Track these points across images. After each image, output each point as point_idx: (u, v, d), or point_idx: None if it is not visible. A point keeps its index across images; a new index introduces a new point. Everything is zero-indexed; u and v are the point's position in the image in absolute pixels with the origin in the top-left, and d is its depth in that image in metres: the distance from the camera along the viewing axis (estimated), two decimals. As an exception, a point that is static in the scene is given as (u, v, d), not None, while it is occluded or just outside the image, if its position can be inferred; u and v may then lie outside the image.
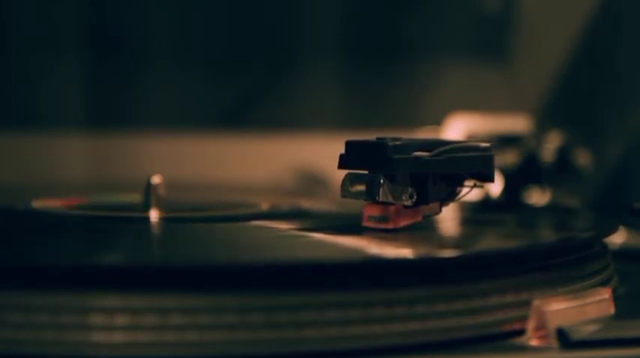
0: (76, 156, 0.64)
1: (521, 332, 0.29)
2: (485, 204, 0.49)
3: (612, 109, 0.62)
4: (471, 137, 0.55)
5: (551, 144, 0.52)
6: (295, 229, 0.36)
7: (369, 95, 0.70)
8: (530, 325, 0.29)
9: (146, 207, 0.40)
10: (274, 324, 0.27)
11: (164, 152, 0.65)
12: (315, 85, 0.68)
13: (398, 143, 0.33)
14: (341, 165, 0.34)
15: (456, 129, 0.57)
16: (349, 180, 0.34)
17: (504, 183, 0.51)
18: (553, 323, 0.28)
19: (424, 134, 0.60)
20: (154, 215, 0.39)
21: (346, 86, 0.69)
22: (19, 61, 0.65)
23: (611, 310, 0.31)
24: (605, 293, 0.31)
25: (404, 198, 0.33)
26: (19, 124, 0.64)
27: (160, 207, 0.40)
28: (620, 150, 0.60)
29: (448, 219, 0.39)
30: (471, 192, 0.36)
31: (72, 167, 0.64)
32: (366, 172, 0.34)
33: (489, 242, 0.36)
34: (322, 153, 0.53)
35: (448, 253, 0.32)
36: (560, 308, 0.29)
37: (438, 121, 0.60)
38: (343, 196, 0.34)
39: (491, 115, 0.57)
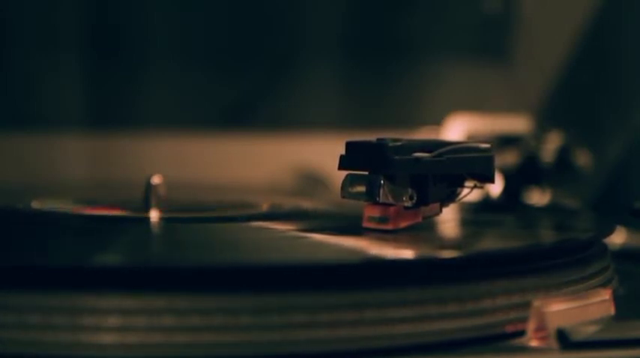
0: (76, 156, 0.64)
1: (521, 333, 0.29)
2: (485, 204, 0.49)
3: (612, 109, 0.62)
4: (471, 137, 0.55)
5: (551, 144, 0.52)
6: (295, 230, 0.36)
7: (369, 95, 0.70)
8: (531, 326, 0.29)
9: (146, 207, 0.40)
10: (273, 325, 0.27)
11: (164, 152, 0.65)
12: (315, 85, 0.68)
13: (398, 144, 0.33)
14: (341, 166, 0.34)
15: (456, 129, 0.57)
16: (349, 181, 0.34)
17: (504, 184, 0.51)
18: (553, 324, 0.28)
19: (424, 134, 0.60)
20: (153, 215, 0.39)
21: (346, 86, 0.69)
22: (19, 61, 0.65)
23: (612, 311, 0.31)
24: (606, 294, 0.31)
25: (404, 198, 0.33)
26: (19, 124, 0.64)
27: (160, 207, 0.40)
28: (620, 150, 0.60)
29: (448, 219, 0.39)
30: (471, 193, 0.36)
31: (72, 167, 0.64)
32: (366, 173, 0.34)
33: (489, 242, 0.36)
34: (322, 153, 0.53)
35: (448, 254, 0.32)
36: (560, 309, 0.29)
37: (438, 121, 0.60)
38: (343, 197, 0.34)
39: (491, 115, 0.57)
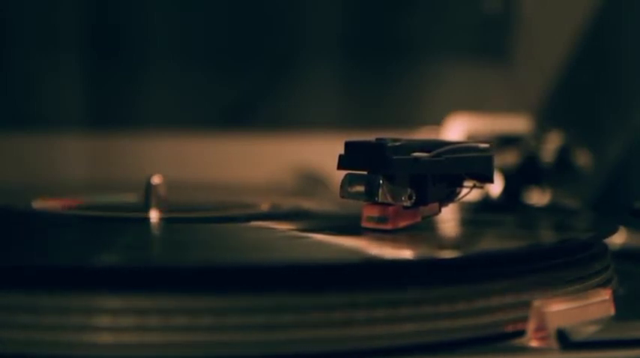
0: (76, 156, 0.64)
1: (521, 333, 0.29)
2: (485, 204, 0.49)
3: (612, 109, 0.62)
4: (471, 137, 0.55)
5: (551, 144, 0.52)
6: (295, 230, 0.36)
7: (369, 95, 0.70)
8: (531, 326, 0.29)
9: (146, 207, 0.40)
10: (273, 325, 0.27)
11: (164, 152, 0.65)
12: (315, 85, 0.68)
13: (397, 144, 0.33)
14: (340, 166, 0.34)
15: (456, 129, 0.57)
16: (348, 181, 0.34)
17: (504, 184, 0.51)
18: (553, 324, 0.28)
19: (424, 134, 0.60)
20: (153, 215, 0.39)
21: (346, 86, 0.69)
22: (19, 61, 0.65)
23: (612, 311, 0.31)
24: (606, 294, 0.31)
25: (403, 198, 0.33)
26: (19, 124, 0.64)
27: (160, 207, 0.40)
28: (620, 150, 0.60)
29: (448, 219, 0.39)
30: (470, 193, 0.36)
31: (72, 167, 0.64)
32: (366, 173, 0.34)
33: (489, 242, 0.36)
34: (322, 153, 0.52)
35: (447, 254, 0.32)
36: (560, 309, 0.29)
37: (438, 121, 0.60)
38: (342, 197, 0.34)
39: (491, 115, 0.57)
